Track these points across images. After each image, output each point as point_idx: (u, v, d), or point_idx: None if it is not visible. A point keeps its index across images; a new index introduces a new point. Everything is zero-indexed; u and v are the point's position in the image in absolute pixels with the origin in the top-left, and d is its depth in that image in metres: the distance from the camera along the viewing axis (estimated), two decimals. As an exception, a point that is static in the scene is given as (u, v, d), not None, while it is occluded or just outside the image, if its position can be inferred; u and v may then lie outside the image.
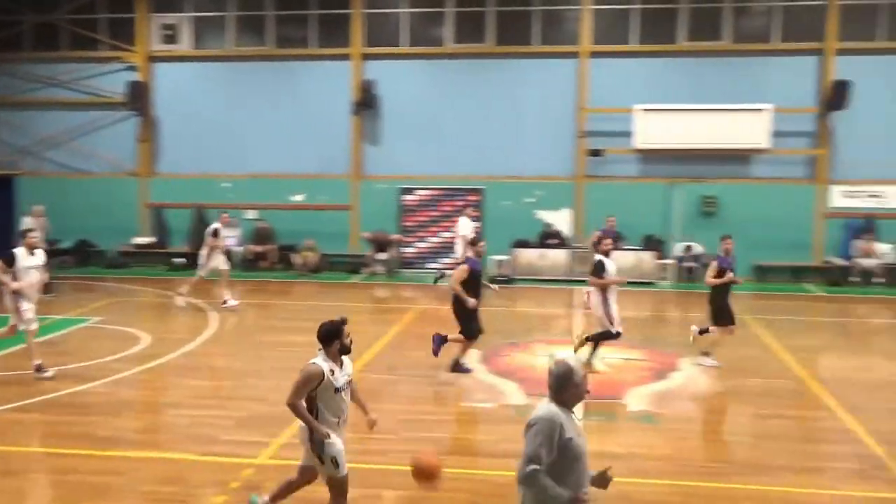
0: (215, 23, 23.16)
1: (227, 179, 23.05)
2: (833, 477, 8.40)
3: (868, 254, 20.36)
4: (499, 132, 21.88)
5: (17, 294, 11.33)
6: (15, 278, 11.32)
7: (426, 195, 22.47)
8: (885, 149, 20.70)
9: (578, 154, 21.61)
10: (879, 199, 20.86)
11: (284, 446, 8.79)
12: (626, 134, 21.09)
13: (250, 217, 22.88)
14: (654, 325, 16.62)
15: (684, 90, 21.10)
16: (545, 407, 5.09)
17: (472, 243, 12.25)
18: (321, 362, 6.38)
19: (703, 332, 12.92)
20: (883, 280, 20.17)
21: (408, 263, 22.53)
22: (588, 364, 11.94)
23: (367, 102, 22.06)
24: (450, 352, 12.14)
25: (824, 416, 10.43)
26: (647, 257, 20.74)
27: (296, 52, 22.77)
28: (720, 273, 12.47)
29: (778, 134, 20.66)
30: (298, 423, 6.57)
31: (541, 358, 13.06)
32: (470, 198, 21.95)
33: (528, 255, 21.18)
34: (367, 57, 22.42)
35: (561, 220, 21.78)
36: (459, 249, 18.70)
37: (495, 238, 21.12)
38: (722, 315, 12.61)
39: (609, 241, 12.50)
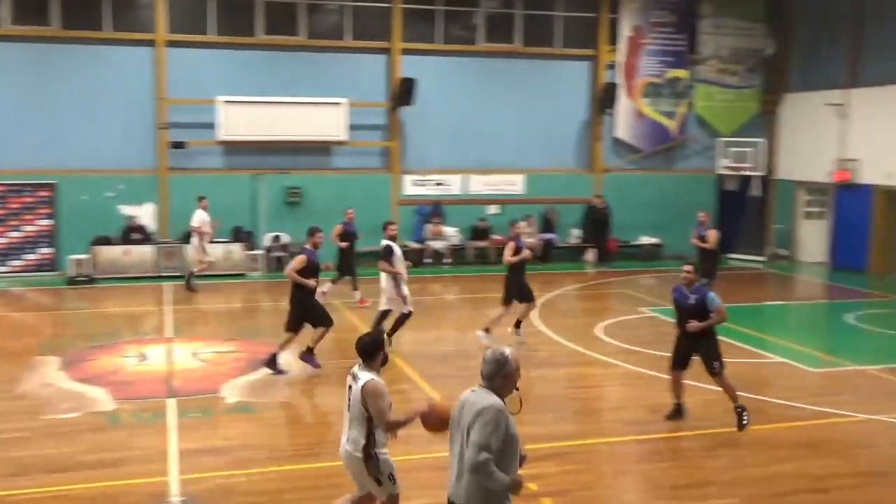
0: None
1: None
2: (419, 443, 9.11)
3: (437, 236, 22.35)
4: (71, 122, 20.34)
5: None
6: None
7: (-14, 192, 20.19)
8: (448, 141, 22.84)
9: (160, 146, 20.87)
10: (444, 186, 22.97)
11: None
12: (210, 126, 20.80)
13: None
14: (247, 316, 16.71)
15: (266, 83, 21.32)
16: (487, 396, 5.13)
17: (310, 234, 12.19)
18: (377, 377, 6.21)
19: (518, 324, 13.82)
20: (451, 260, 22.26)
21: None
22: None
23: None
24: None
25: (409, 388, 11.30)
26: (237, 249, 20.75)
27: None
28: (517, 251, 13.39)
29: (355, 127, 21.77)
30: (347, 451, 6.33)
31: (131, 359, 12.52)
32: (41, 193, 20.17)
33: (111, 253, 20.03)
34: None
35: (145, 214, 20.91)
36: (196, 243, 18.53)
37: (72, 236, 19.72)
38: (523, 292, 13.68)
39: (395, 226, 13.42)
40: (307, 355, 11.95)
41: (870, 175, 21.87)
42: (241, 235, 21.21)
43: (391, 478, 6.39)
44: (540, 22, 23.29)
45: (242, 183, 21.33)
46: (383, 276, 13.11)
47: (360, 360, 6.32)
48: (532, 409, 10.39)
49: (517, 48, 23.15)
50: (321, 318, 12.01)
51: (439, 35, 22.70)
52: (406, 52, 22.26)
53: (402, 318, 13.18)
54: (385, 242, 13.04)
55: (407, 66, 22.12)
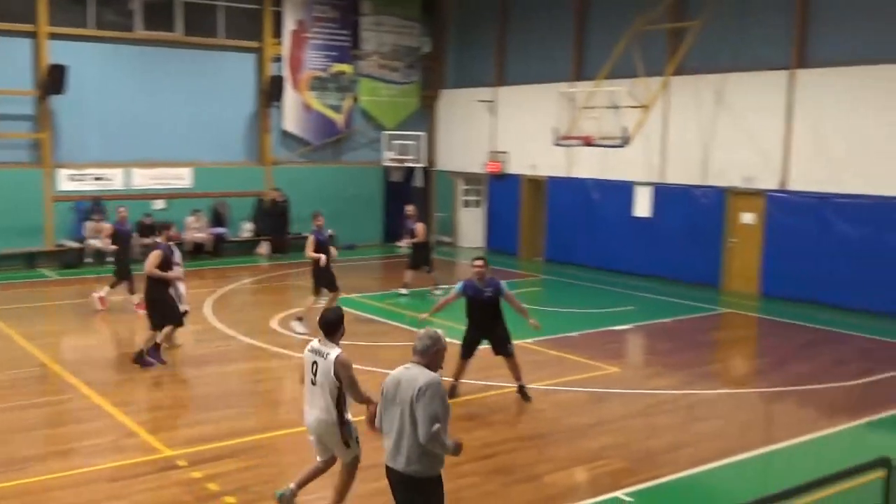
0: None
1: None
2: (88, 454, 8.63)
3: (98, 234, 21.00)
4: None
5: None
6: None
7: None
8: (107, 133, 21.51)
9: None
10: (105, 181, 21.62)
11: None
12: None
13: None
14: None
15: None
16: (424, 372, 5.74)
17: (166, 228, 12.38)
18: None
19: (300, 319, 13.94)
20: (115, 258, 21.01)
21: None
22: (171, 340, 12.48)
23: None
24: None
25: (71, 398, 10.60)
26: None
27: None
28: (317, 245, 13.88)
29: (-1, 117, 19.89)
30: (320, 419, 6.83)
31: None
32: None
33: None
34: None
35: None
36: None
37: None
38: (331, 282, 14.18)
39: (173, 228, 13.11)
40: (154, 352, 11.93)
41: (517, 166, 23.92)
42: None
43: (357, 441, 7.04)
44: (202, 11, 22.66)
45: None
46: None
47: (321, 335, 6.84)
48: (208, 407, 10.23)
49: (178, 37, 22.33)
50: (171, 316, 12.04)
51: (92, 20, 21.27)
52: (55, 36, 20.61)
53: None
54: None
55: (57, 52, 20.50)
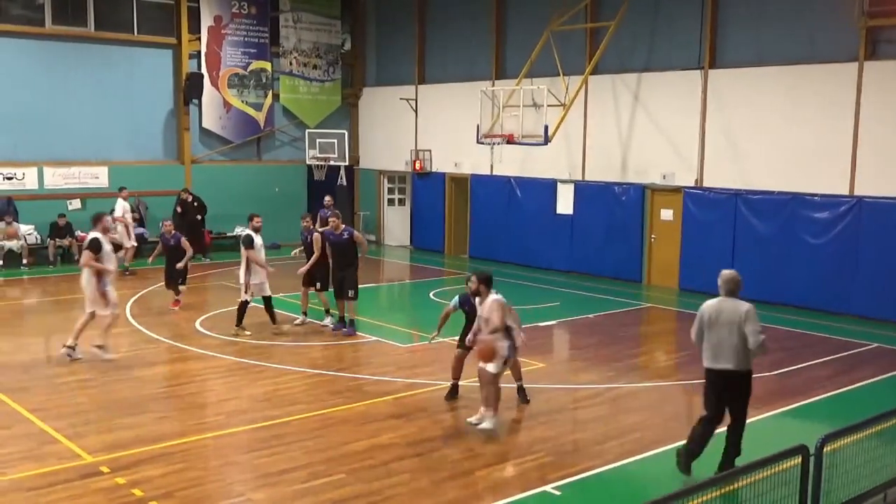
0: None
1: None
2: (4, 463, 8.34)
3: (11, 236, 20.31)
4: None
5: None
6: None
7: None
8: (17, 132, 20.78)
9: None
10: (15, 181, 20.92)
11: None
12: None
13: None
14: None
15: None
16: (741, 302, 7.87)
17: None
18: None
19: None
20: (29, 259, 20.37)
21: None
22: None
23: None
24: None
25: (-13, 406, 10.22)
26: None
27: None
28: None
29: None
30: None
31: None
32: None
33: None
34: None
35: None
36: (122, 230, 19.53)
37: None
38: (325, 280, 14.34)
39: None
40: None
41: (440, 164, 23.99)
42: None
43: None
44: (114, 6, 22.08)
45: None
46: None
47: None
48: (131, 411, 10.00)
49: (90, 33, 21.73)
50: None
51: (-1, 14, 20.59)
52: None
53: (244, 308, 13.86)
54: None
55: None
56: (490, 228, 22.58)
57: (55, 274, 19.87)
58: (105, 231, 12.35)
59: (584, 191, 20.52)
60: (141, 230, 22.31)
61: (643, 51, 19.45)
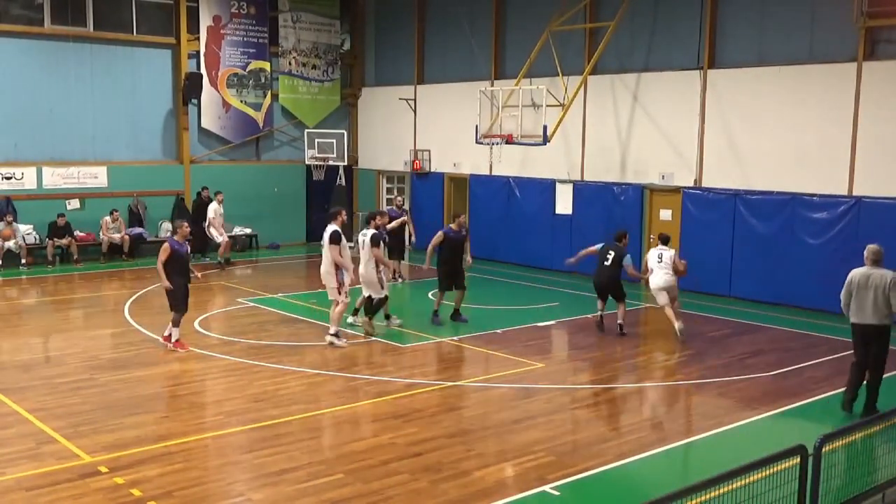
0: None
1: None
2: (4, 463, 8.34)
3: (8, 237, 20.27)
4: None
5: None
6: None
7: None
8: (16, 132, 20.79)
9: None
10: (14, 181, 20.90)
11: None
12: None
13: None
14: None
15: None
16: (885, 271, 9.88)
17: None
18: None
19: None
20: (28, 260, 20.34)
21: None
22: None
23: None
24: None
25: (-14, 406, 10.22)
26: None
27: None
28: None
29: None
30: None
31: None
32: None
33: None
34: None
35: None
36: (214, 233, 21.04)
37: None
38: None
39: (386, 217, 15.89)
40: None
41: (439, 164, 23.98)
42: None
43: None
44: (114, 6, 22.08)
45: None
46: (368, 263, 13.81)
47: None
48: (130, 411, 9.99)
49: (90, 33, 21.71)
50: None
51: (-2, 14, 20.59)
52: None
53: (382, 302, 14.30)
54: (374, 231, 14.04)
55: None
56: (489, 228, 22.55)
57: (54, 274, 19.86)
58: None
59: (583, 191, 20.52)
60: (140, 230, 22.32)
61: (642, 51, 19.45)
